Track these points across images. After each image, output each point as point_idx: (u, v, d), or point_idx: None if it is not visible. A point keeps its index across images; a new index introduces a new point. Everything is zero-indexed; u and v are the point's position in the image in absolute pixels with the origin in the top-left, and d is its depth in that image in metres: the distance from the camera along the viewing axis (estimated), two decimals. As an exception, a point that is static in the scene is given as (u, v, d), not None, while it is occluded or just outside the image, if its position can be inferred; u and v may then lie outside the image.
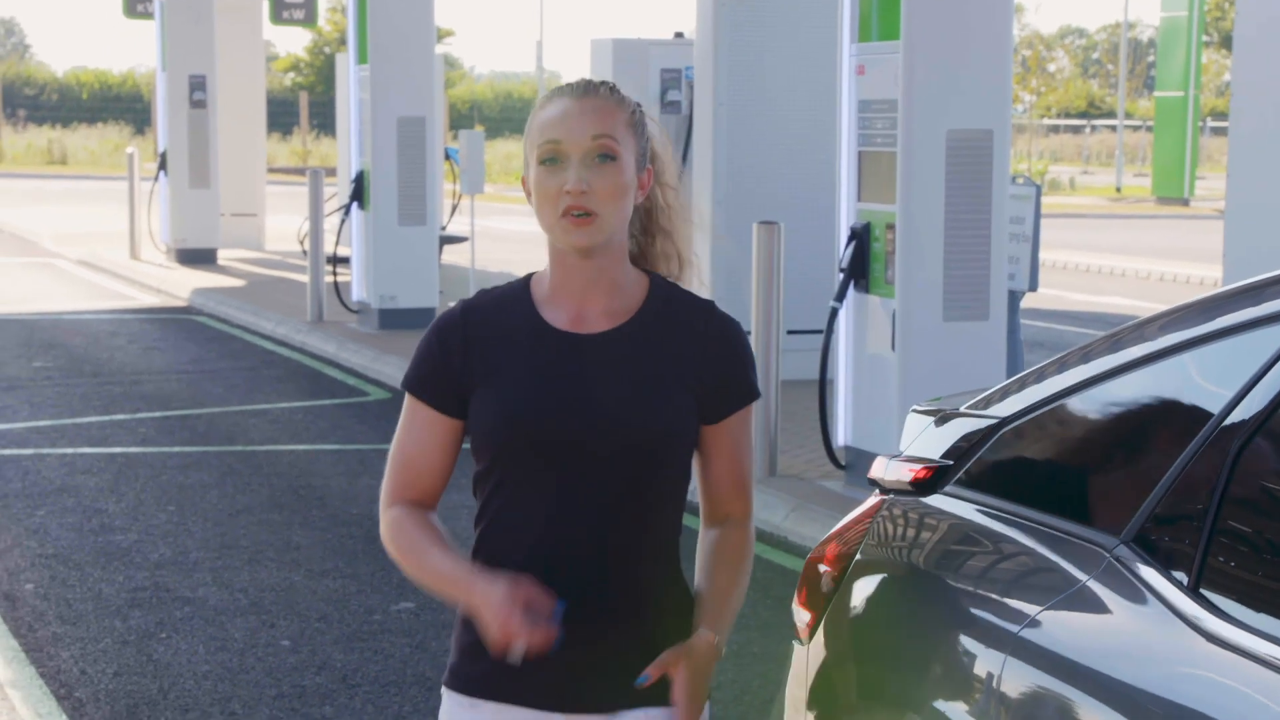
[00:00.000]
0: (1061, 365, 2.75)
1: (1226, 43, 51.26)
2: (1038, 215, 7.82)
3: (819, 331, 7.88)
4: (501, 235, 22.81)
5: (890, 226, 7.41)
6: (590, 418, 2.46)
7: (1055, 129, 50.38)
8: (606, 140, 2.45)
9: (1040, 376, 2.78)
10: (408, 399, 2.58)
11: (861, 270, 7.57)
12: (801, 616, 2.99)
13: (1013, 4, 7.44)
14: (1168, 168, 31.59)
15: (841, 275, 7.60)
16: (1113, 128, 45.36)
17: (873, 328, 7.59)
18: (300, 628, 6.04)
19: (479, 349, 2.52)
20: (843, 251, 7.63)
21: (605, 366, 2.49)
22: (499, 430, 2.48)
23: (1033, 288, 7.89)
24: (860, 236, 7.54)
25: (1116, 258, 20.46)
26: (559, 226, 2.46)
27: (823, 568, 2.98)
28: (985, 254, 7.36)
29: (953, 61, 7.28)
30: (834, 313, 7.64)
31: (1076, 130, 49.41)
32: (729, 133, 10.52)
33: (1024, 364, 8.07)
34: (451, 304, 2.63)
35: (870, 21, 7.56)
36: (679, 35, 13.99)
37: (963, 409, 2.91)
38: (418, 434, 2.56)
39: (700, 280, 2.64)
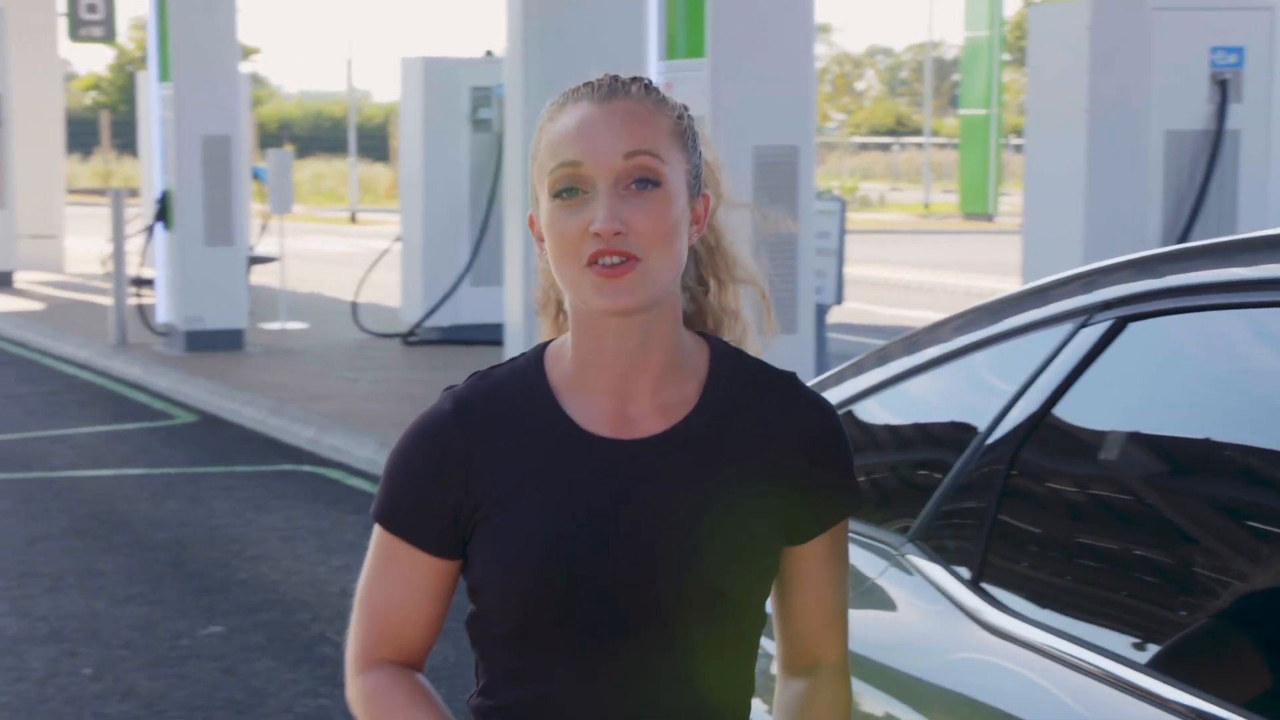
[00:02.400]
0: (860, 368, 2.79)
1: (1026, 61, 52.67)
2: (843, 230, 7.95)
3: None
4: (312, 256, 22.54)
5: (699, 241, 7.46)
6: (652, 560, 1.79)
7: (865, 147, 51.31)
8: (646, 159, 1.78)
9: (840, 379, 2.82)
10: (379, 534, 1.88)
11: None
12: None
13: (814, 22, 7.56)
14: (972, 184, 32.35)
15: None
16: (920, 145, 46.34)
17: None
18: (103, 655, 5.89)
19: (485, 464, 1.82)
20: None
21: (664, 485, 1.81)
22: (526, 582, 1.79)
23: (839, 301, 8.02)
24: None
25: (924, 272, 20.89)
26: (585, 282, 1.76)
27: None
28: (793, 269, 7.46)
29: (758, 79, 7.38)
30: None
31: (885, 148, 50.37)
32: (540, 150, 10.51)
33: (832, 376, 8.18)
34: (437, 400, 1.87)
35: (676, 39, 7.63)
36: (489, 54, 13.99)
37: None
38: (398, 582, 1.86)
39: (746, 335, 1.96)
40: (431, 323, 13.33)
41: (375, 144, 45.38)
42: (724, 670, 1.86)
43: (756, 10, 7.32)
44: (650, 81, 1.86)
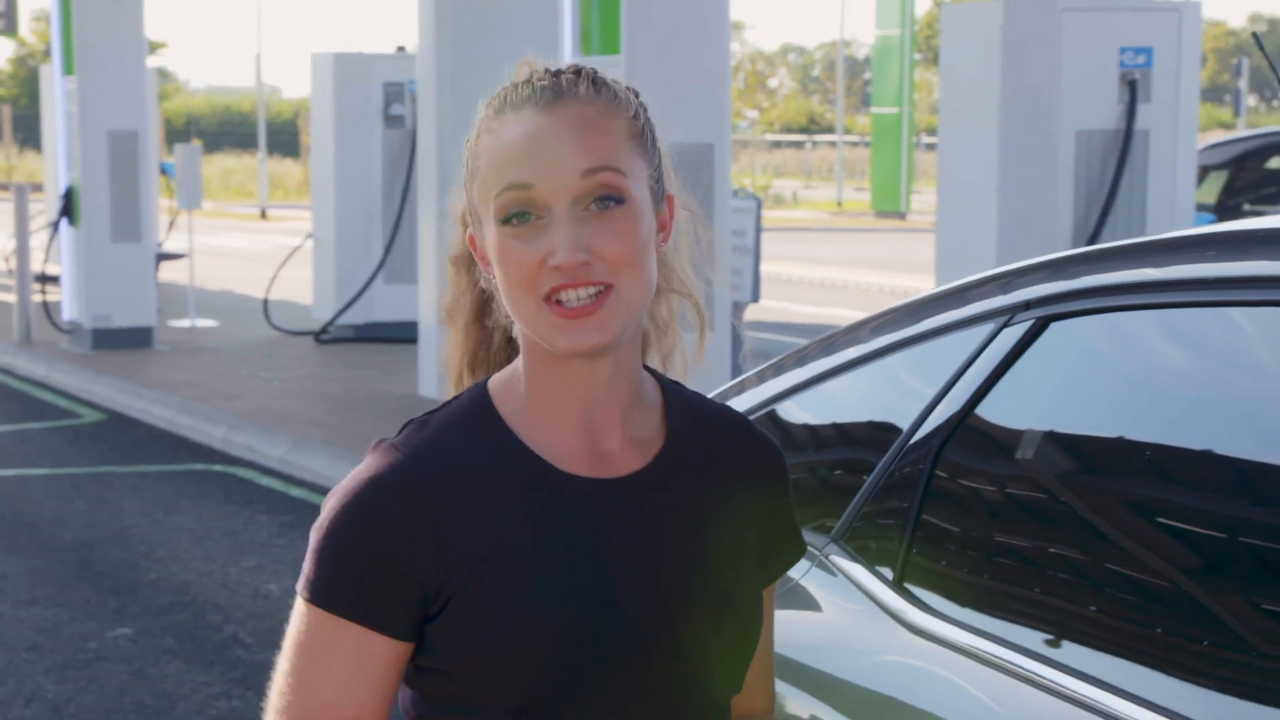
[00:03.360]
0: (778, 369, 2.78)
1: (938, 60, 53.18)
2: (758, 228, 7.97)
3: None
4: (221, 252, 22.31)
5: (614, 239, 7.45)
6: (657, 618, 1.59)
7: (778, 144, 51.53)
8: (606, 175, 1.54)
9: (760, 379, 2.81)
10: (315, 619, 1.56)
11: (587, 283, 7.59)
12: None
13: (729, 19, 7.57)
14: (885, 182, 32.59)
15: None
16: (833, 143, 46.60)
17: (599, 340, 7.62)
18: (8, 659, 5.78)
19: (454, 523, 1.55)
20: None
21: (653, 530, 1.61)
22: (528, 654, 1.54)
23: (754, 299, 8.04)
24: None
25: (838, 270, 21.00)
26: (544, 321, 1.54)
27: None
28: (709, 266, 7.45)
29: (673, 76, 7.37)
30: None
31: (798, 146, 50.62)
32: (454, 146, 10.43)
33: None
34: (377, 453, 1.60)
35: (591, 35, 7.61)
36: (401, 49, 13.90)
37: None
38: (347, 671, 1.55)
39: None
40: (344, 320, 13.23)
41: (285, 140, 45.04)
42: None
43: (672, 6, 7.32)
44: (596, 73, 1.60)
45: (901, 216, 32.27)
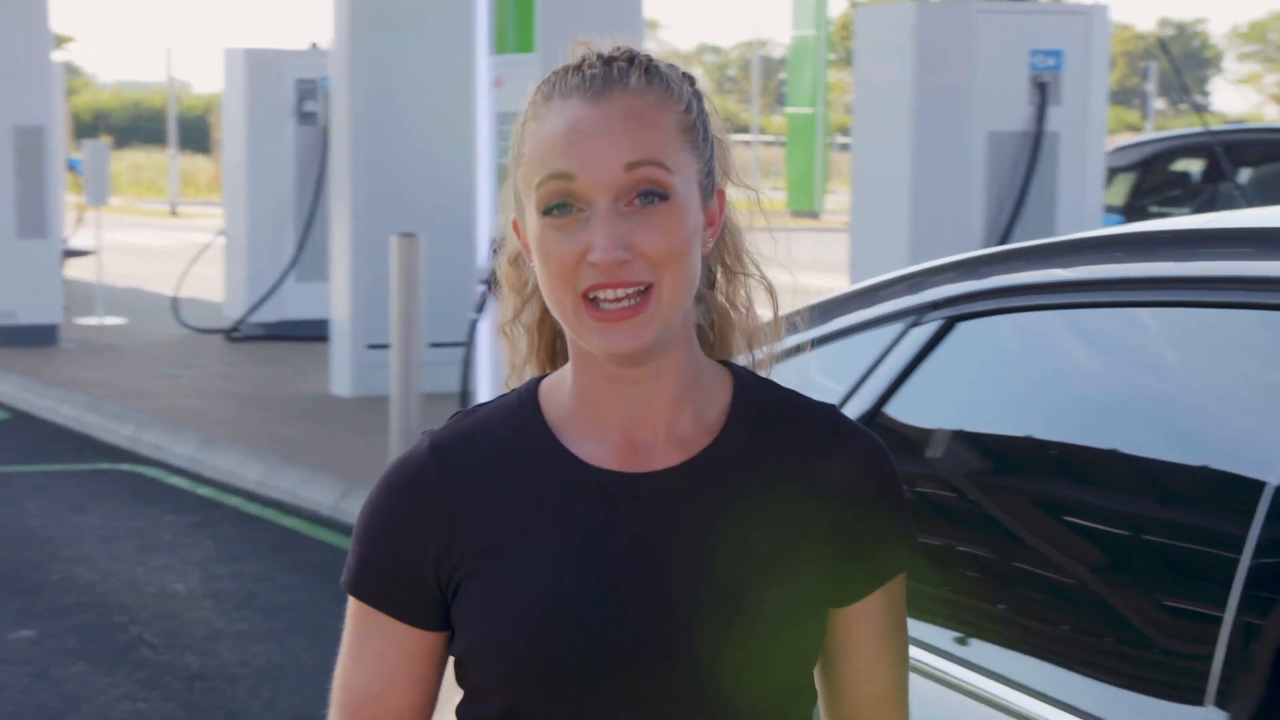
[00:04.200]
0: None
1: (852, 61, 53.49)
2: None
3: (461, 344, 7.85)
4: (130, 249, 22.04)
5: (528, 237, 7.42)
6: (672, 622, 1.52)
7: (692, 144, 51.53)
8: (651, 170, 1.50)
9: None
10: (353, 608, 1.60)
11: (501, 281, 7.56)
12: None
13: (643, 17, 7.56)
14: (800, 182, 32.76)
15: (482, 287, 7.58)
16: (748, 143, 46.78)
17: (512, 338, 7.58)
18: (-92, 664, 5.68)
19: (469, 512, 1.55)
20: (484, 263, 7.61)
21: (683, 528, 1.54)
22: (514, 652, 1.52)
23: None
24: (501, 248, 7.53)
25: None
26: (581, 321, 1.50)
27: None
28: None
29: (587, 74, 7.35)
30: (474, 325, 7.62)
31: (713, 146, 50.65)
32: (368, 144, 10.39)
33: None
34: (417, 440, 1.60)
35: (506, 33, 7.57)
36: (315, 45, 13.79)
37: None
38: (375, 662, 1.58)
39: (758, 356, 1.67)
40: (256, 318, 13.10)
41: (196, 136, 44.59)
42: None
43: (586, 5, 7.31)
44: (650, 60, 1.55)
45: (816, 216, 32.44)
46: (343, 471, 8.35)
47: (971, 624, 2.05)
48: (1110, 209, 8.58)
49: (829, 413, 1.61)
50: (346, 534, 7.60)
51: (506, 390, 1.65)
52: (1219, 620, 1.70)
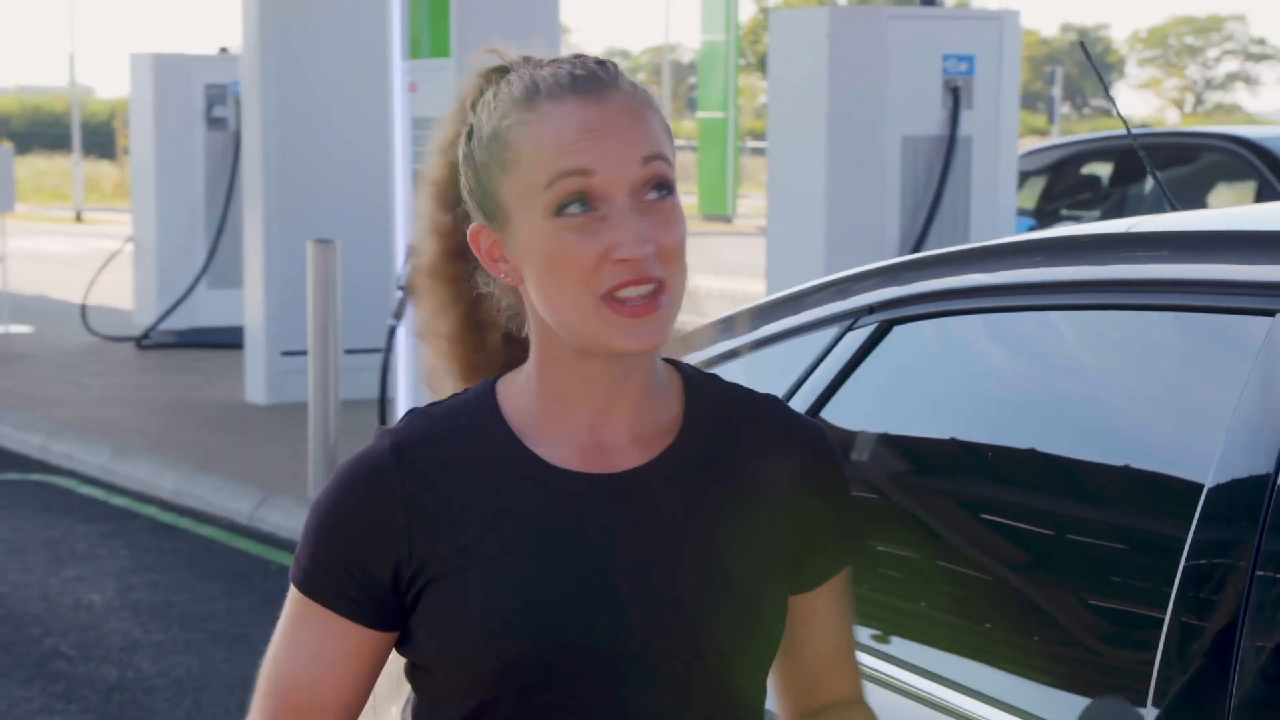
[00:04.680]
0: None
1: (762, 66, 53.77)
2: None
3: (379, 350, 7.81)
4: (35, 256, 21.72)
5: (446, 243, 7.40)
6: (643, 619, 1.53)
7: (603, 149, 51.59)
8: (660, 164, 1.51)
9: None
10: (295, 601, 1.58)
11: (419, 287, 7.53)
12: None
13: (559, 22, 7.57)
14: (711, 186, 32.85)
15: (400, 293, 7.55)
16: (657, 148, 46.74)
17: (431, 344, 7.56)
18: None
19: (432, 513, 1.53)
20: (401, 269, 7.58)
21: (652, 524, 1.55)
22: (485, 652, 1.51)
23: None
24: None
25: (664, 274, 21.04)
26: (601, 321, 1.49)
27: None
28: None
29: (504, 79, 7.33)
30: (393, 331, 7.58)
31: (623, 150, 50.75)
32: (281, 149, 10.32)
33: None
34: (374, 439, 1.58)
35: (420, 38, 7.55)
36: (224, 50, 13.67)
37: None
38: (315, 651, 1.56)
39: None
40: (166, 325, 12.96)
41: (100, 141, 44.01)
42: None
43: (502, 9, 7.30)
44: (618, 66, 1.58)
45: (728, 220, 32.55)
46: (260, 479, 8.28)
47: (913, 628, 2.07)
48: (1022, 212, 8.67)
49: (776, 405, 1.64)
50: (264, 542, 7.54)
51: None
52: (1155, 621, 1.73)
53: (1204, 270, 1.82)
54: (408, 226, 7.65)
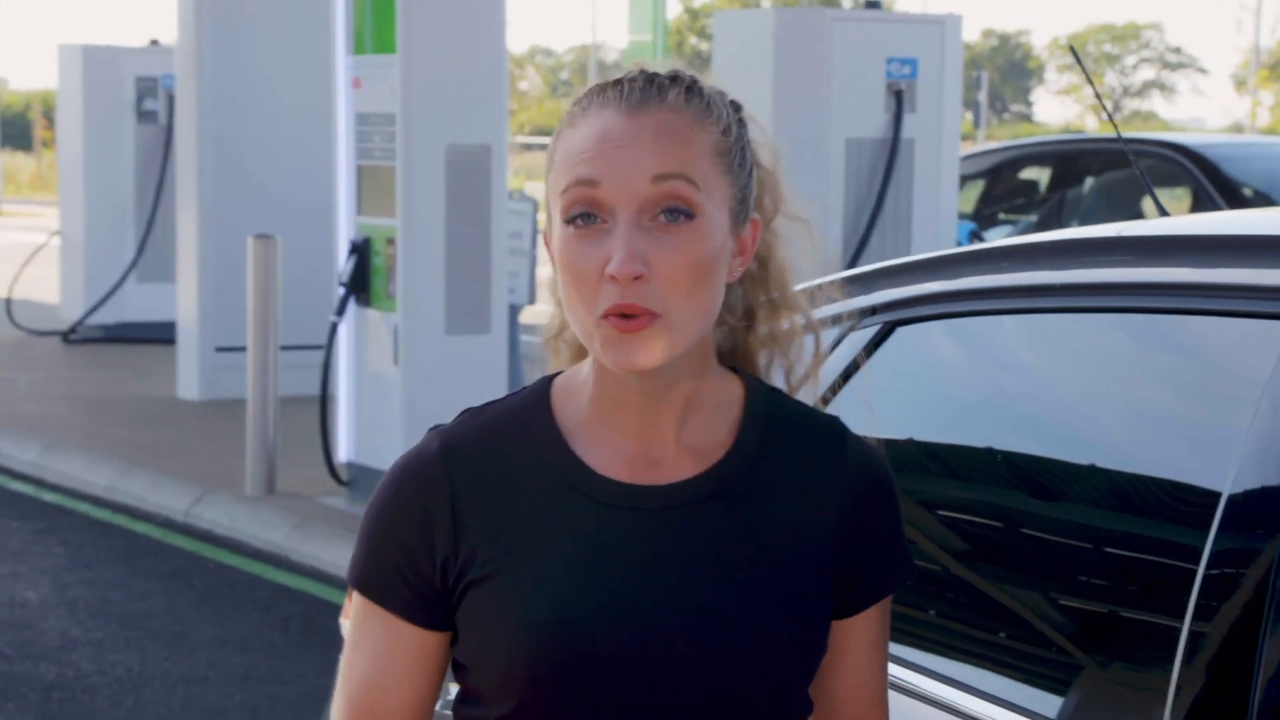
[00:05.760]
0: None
1: (687, 66, 53.64)
2: (534, 230, 7.95)
3: (319, 347, 7.75)
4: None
5: (391, 241, 7.36)
6: (684, 629, 1.52)
7: (529, 147, 51.54)
8: (677, 184, 1.49)
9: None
10: (358, 603, 1.60)
11: (362, 284, 7.48)
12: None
13: (505, 17, 7.53)
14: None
15: (342, 289, 7.50)
16: (583, 147, 46.65)
17: (374, 342, 7.51)
18: None
19: (476, 515, 1.55)
20: (343, 265, 7.52)
21: (693, 540, 1.54)
22: (520, 659, 1.51)
23: (531, 301, 8.02)
24: (361, 250, 7.46)
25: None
26: (596, 334, 1.50)
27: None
28: (486, 268, 7.41)
29: (450, 76, 7.30)
30: (334, 328, 7.53)
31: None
32: (216, 143, 10.20)
33: (524, 377, 8.19)
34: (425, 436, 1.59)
35: (365, 34, 7.48)
36: (154, 42, 13.51)
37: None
38: (378, 653, 1.58)
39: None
40: (94, 320, 12.79)
41: (17, 133, 43.39)
42: None
43: (447, 5, 7.25)
44: (696, 80, 1.54)
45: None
46: (196, 476, 8.19)
47: (916, 634, 2.08)
48: (961, 216, 8.73)
49: (835, 428, 1.61)
50: (201, 540, 7.46)
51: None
52: (1173, 631, 1.74)
53: (1220, 274, 1.83)
54: (350, 223, 7.60)
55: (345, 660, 1.61)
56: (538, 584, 1.52)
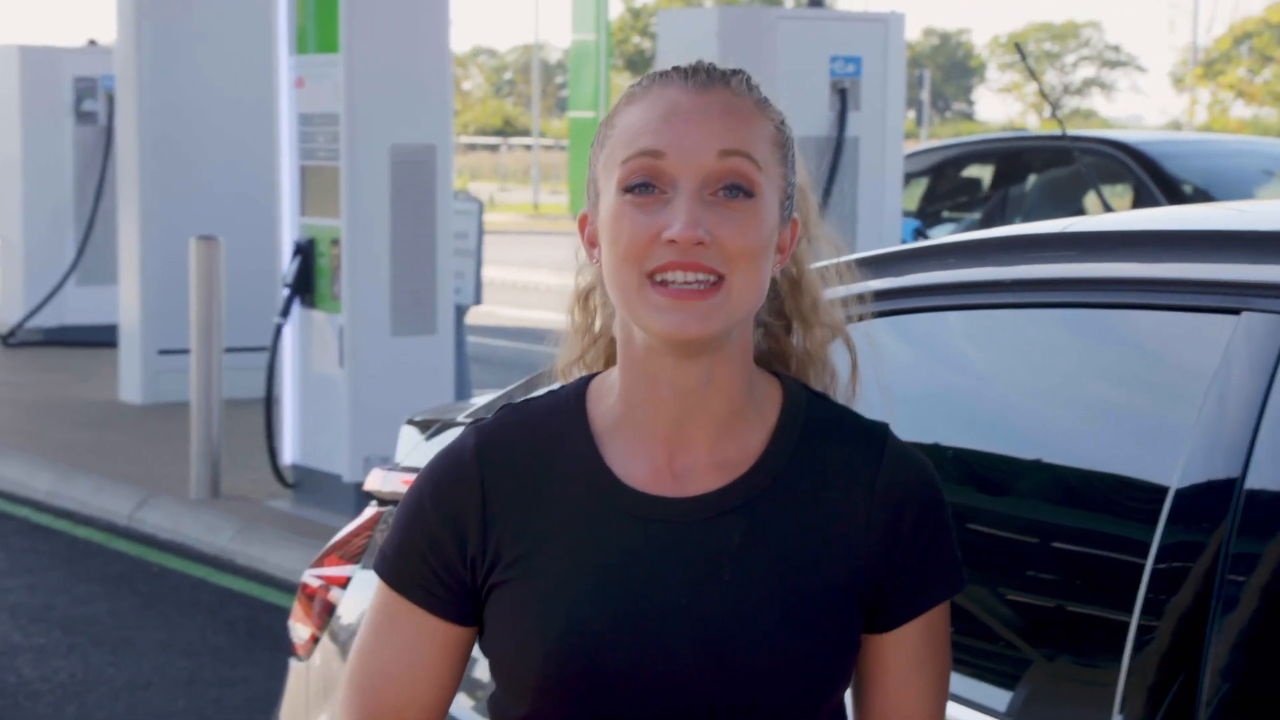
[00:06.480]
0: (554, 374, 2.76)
1: (631, 65, 53.84)
2: (480, 230, 7.92)
3: (264, 349, 7.70)
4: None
5: (336, 241, 7.33)
6: (697, 646, 1.50)
7: (473, 147, 51.42)
8: (742, 161, 1.50)
9: (530, 387, 2.79)
10: (380, 592, 1.60)
11: (307, 285, 7.44)
12: (300, 633, 2.89)
13: (449, 16, 7.51)
14: (582, 185, 32.74)
15: (286, 291, 7.45)
16: (528, 146, 46.71)
17: (319, 343, 7.47)
18: None
19: (506, 514, 1.55)
20: (287, 267, 7.48)
21: (713, 554, 1.51)
22: (536, 663, 1.51)
23: (477, 301, 7.99)
24: (305, 251, 7.42)
25: (537, 272, 21.06)
26: (645, 299, 1.47)
27: (320, 582, 2.88)
28: (432, 269, 7.39)
29: (394, 76, 7.27)
30: (279, 329, 7.48)
31: (493, 149, 50.60)
32: (156, 144, 10.12)
33: (471, 378, 8.16)
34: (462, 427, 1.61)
35: (307, 33, 7.44)
36: (92, 42, 13.39)
37: (458, 419, 2.88)
38: (401, 645, 1.58)
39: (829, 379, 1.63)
40: (34, 323, 12.67)
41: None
42: None
43: (390, 4, 7.22)
44: (751, 78, 1.57)
45: (599, 220, 32.53)
46: (139, 479, 8.12)
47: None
48: (905, 213, 8.76)
49: (875, 437, 1.56)
50: (145, 544, 7.40)
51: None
52: (1121, 625, 1.75)
53: (1165, 269, 1.84)
54: (294, 224, 7.55)
55: (361, 650, 1.60)
56: (554, 592, 1.52)
